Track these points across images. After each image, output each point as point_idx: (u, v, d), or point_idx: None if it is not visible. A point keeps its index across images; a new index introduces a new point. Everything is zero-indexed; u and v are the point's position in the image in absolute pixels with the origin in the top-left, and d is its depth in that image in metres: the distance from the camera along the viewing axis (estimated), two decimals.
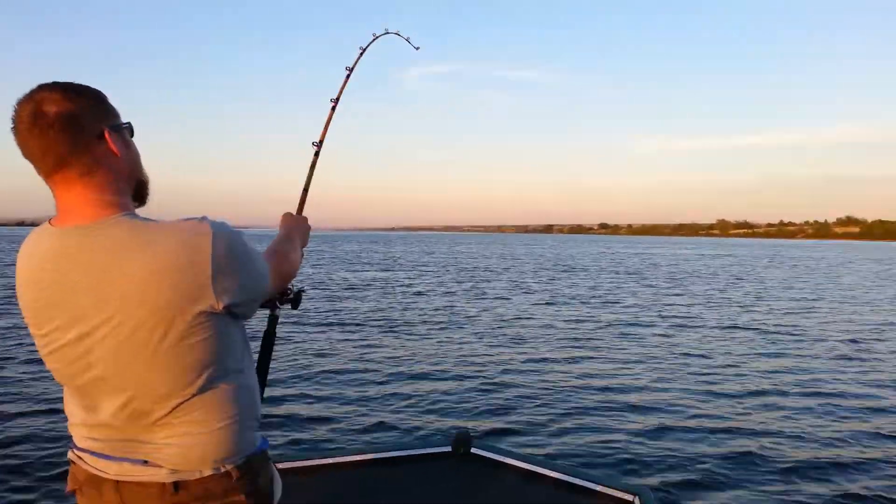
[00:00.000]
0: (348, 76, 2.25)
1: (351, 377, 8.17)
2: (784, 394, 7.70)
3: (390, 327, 12.50)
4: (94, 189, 1.22)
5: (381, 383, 7.90)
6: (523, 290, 20.52)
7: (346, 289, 20.40)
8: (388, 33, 2.34)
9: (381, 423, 6.27)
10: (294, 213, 1.88)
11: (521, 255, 52.90)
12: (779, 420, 6.59)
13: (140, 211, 1.32)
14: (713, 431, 6.17)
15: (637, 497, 2.61)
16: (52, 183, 1.23)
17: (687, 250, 76.00)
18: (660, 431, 6.15)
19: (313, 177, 2.11)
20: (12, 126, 1.19)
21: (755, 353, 10.33)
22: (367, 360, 9.22)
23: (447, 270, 31.09)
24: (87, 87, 1.24)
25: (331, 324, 12.73)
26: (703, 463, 5.33)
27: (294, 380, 7.95)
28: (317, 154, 2.12)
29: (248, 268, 1.26)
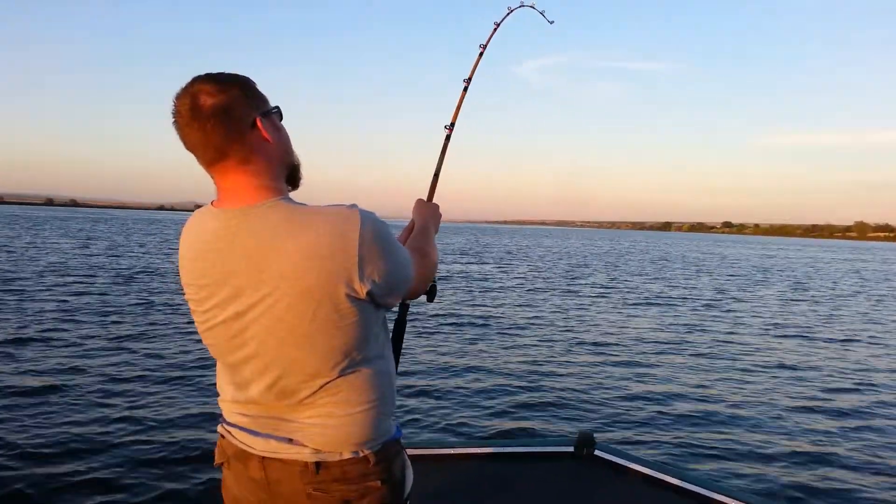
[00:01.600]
0: (481, 53, 2.20)
1: (476, 370, 8.21)
2: None
3: (518, 323, 12.41)
4: (252, 175, 1.26)
5: (506, 378, 7.88)
6: (661, 295, 19.67)
7: (474, 281, 20.46)
8: (522, 6, 2.27)
9: (505, 417, 6.27)
10: (425, 199, 1.86)
11: (668, 255, 51.21)
12: None
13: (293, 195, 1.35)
14: (851, 461, 5.65)
15: None
16: (212, 171, 1.29)
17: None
18: (795, 453, 5.72)
19: (444, 161, 2.05)
20: (173, 121, 1.24)
21: None
22: (492, 355, 9.22)
23: (576, 265, 30.65)
24: (238, 76, 1.28)
25: (458, 316, 12.80)
26: (841, 487, 4.92)
27: (419, 369, 8.09)
28: (448, 137, 2.08)
29: (392, 258, 1.27)
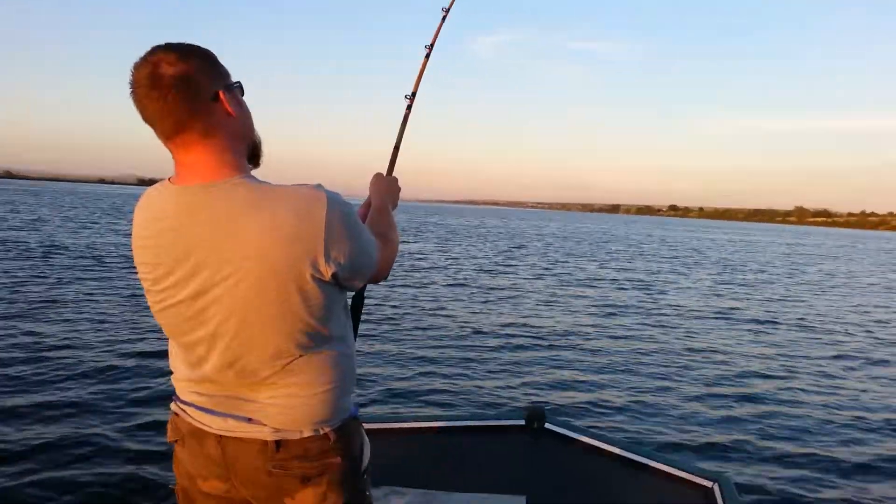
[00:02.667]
0: (444, 17, 2.10)
1: (429, 343, 8.33)
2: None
3: (471, 296, 12.61)
4: (213, 150, 1.23)
5: (458, 350, 8.02)
6: (612, 269, 20.08)
7: (427, 257, 20.48)
8: None
9: (457, 391, 6.36)
10: (384, 173, 1.82)
11: (622, 235, 52.06)
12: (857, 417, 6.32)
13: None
14: (800, 428, 5.94)
15: (716, 484, 2.55)
16: (171, 145, 1.24)
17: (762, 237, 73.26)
18: (742, 420, 6.00)
19: (405, 133, 1.95)
20: (131, 91, 1.19)
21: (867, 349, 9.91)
22: (445, 328, 9.38)
23: (523, 242, 30.94)
24: (200, 48, 1.24)
25: (412, 290, 12.90)
26: (790, 458, 5.17)
27: (374, 343, 8.15)
28: (409, 108, 1.98)
29: (358, 241, 1.27)
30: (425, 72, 2.03)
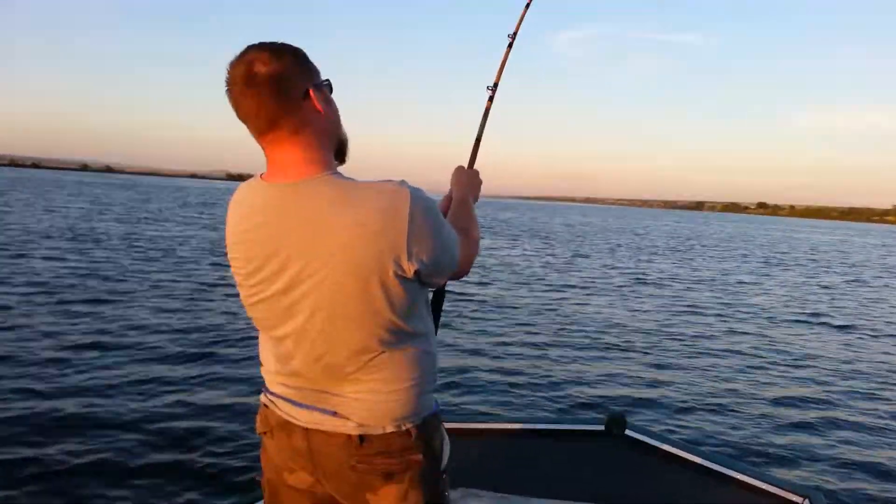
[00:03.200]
0: (528, 5, 2.04)
1: (511, 345, 8.23)
2: None
3: (554, 298, 12.40)
4: (303, 147, 1.26)
5: (540, 351, 7.93)
6: (702, 276, 19.39)
7: (506, 261, 20.36)
8: None
9: (539, 394, 6.29)
10: (466, 166, 1.81)
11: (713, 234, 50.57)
12: None
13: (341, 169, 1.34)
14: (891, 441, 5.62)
15: (807, 500, 2.43)
16: (263, 141, 1.28)
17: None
18: (834, 432, 5.72)
19: (486, 125, 1.90)
20: (227, 88, 1.23)
21: None
22: (535, 331, 9.26)
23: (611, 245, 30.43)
24: (291, 46, 1.27)
25: (492, 291, 12.81)
26: (884, 472, 4.89)
27: (456, 341, 8.14)
28: (491, 99, 1.93)
29: (440, 238, 1.27)
30: (507, 62, 1.97)
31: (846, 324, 11.78)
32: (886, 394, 7.13)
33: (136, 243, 16.73)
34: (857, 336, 10.67)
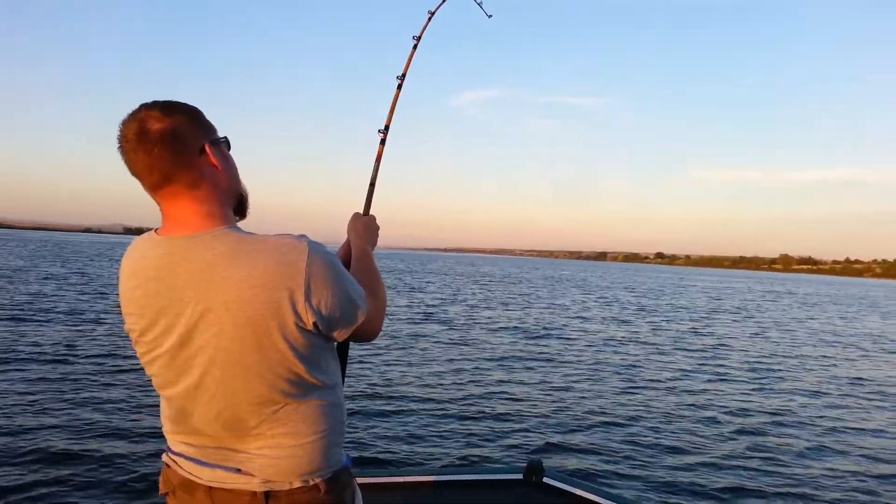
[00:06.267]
0: (415, 46, 2.03)
1: (424, 396, 8.18)
2: None
3: (471, 349, 12.44)
4: (200, 201, 1.26)
5: (454, 404, 7.90)
6: (625, 322, 20.01)
7: (433, 304, 20.29)
8: None
9: (454, 444, 6.26)
10: (361, 212, 1.79)
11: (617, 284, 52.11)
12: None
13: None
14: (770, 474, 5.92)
15: None
16: (158, 197, 1.27)
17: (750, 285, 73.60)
18: (750, 472, 5.97)
19: (380, 169, 1.85)
20: (119, 146, 1.23)
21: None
22: (440, 381, 9.23)
23: (521, 288, 30.92)
24: (186, 105, 1.28)
25: (403, 341, 12.75)
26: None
27: (365, 395, 8.01)
28: (383, 142, 1.89)
29: (340, 288, 1.26)
30: (397, 104, 1.94)
31: (752, 367, 12.43)
32: (804, 434, 7.52)
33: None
34: (762, 378, 11.27)
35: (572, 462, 5.94)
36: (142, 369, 1.35)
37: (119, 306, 1.35)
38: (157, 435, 5.45)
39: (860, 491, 5.65)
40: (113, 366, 8.93)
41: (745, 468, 6.06)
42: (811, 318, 26.71)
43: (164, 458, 1.39)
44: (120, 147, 1.23)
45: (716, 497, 5.29)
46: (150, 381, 1.35)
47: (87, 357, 9.40)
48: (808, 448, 6.91)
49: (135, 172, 1.25)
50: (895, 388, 10.90)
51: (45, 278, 24.05)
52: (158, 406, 1.40)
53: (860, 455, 6.77)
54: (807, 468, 6.20)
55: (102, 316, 14.19)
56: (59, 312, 14.32)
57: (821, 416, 8.43)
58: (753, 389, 10.09)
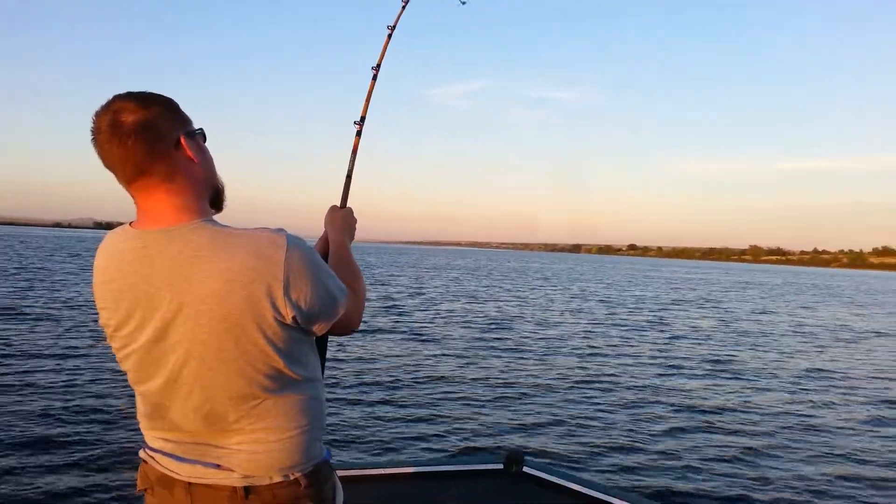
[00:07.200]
0: (390, 35, 2.01)
1: (405, 388, 8.21)
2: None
3: (446, 340, 12.49)
4: (175, 194, 1.24)
5: (436, 395, 7.92)
6: (592, 312, 20.18)
7: (401, 297, 20.26)
8: None
9: (435, 435, 6.29)
10: (338, 205, 1.78)
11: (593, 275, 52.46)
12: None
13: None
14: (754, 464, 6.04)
15: None
16: (132, 190, 1.24)
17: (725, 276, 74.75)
18: (727, 464, 6.02)
19: (356, 161, 1.84)
20: (92, 138, 1.20)
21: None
22: (422, 372, 9.25)
23: (495, 280, 31.01)
24: (161, 96, 1.26)
25: (385, 333, 12.74)
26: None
27: (346, 387, 8.01)
28: (359, 133, 1.88)
29: (319, 281, 1.25)
30: (373, 94, 1.93)
31: (719, 359, 12.64)
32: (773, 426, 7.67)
33: None
34: (732, 369, 11.46)
35: (552, 451, 5.99)
36: (114, 363, 1.33)
37: (93, 301, 1.32)
38: (135, 429, 5.39)
39: (819, 483, 5.79)
40: (74, 366, 8.76)
41: (720, 455, 6.16)
42: (772, 311, 27.19)
43: (142, 454, 1.37)
44: (93, 139, 1.20)
45: (689, 478, 5.38)
46: (126, 376, 1.32)
47: (54, 354, 9.23)
48: (776, 428, 7.06)
49: (109, 165, 1.22)
50: (851, 380, 11.15)
51: (14, 274, 23.54)
52: (134, 400, 1.38)
53: (816, 449, 6.92)
54: (772, 450, 6.33)
55: (71, 312, 13.94)
56: (30, 310, 14.05)
57: (780, 403, 8.61)
58: (723, 377, 10.27)
